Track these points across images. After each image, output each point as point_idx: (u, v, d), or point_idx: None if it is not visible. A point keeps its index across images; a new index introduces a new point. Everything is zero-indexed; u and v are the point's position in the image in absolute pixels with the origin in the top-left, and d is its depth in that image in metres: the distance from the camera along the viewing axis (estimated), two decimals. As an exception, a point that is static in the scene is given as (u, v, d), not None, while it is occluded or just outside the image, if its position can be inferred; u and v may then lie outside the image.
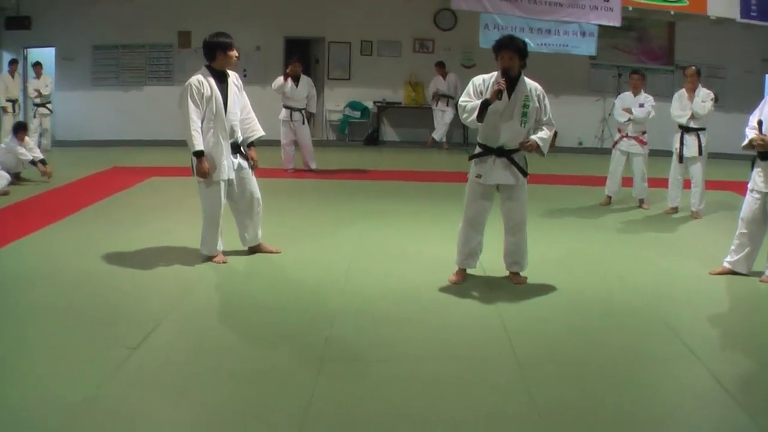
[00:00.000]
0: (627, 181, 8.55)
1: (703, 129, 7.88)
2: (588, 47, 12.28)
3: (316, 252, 6.10)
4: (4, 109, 12.20)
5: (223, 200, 5.62)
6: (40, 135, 12.26)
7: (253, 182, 5.77)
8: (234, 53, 5.51)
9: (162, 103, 12.05)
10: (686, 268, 5.90)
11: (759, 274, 5.56)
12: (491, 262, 5.49)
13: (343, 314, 4.64)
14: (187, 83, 5.44)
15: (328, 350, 4.05)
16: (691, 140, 7.87)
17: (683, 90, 7.97)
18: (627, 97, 8.42)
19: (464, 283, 5.26)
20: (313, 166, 10.55)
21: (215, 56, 5.47)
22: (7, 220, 7.14)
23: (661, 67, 14.19)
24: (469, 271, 5.36)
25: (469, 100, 4.96)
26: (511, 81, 4.88)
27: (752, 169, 5.53)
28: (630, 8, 12.42)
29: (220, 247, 5.74)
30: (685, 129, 7.90)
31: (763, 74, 14.16)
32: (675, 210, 8.16)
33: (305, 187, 9.45)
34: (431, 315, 4.69)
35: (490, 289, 5.19)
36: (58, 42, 13.64)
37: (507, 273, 5.37)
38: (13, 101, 12.37)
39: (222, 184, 5.55)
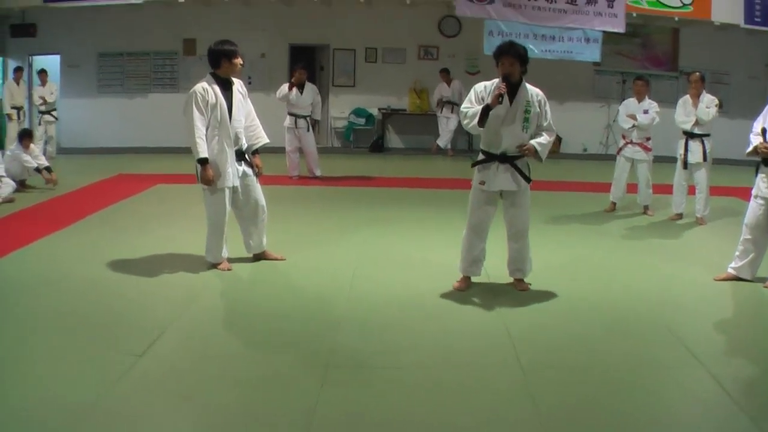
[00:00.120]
0: (632, 188, 8.54)
1: (707, 135, 7.88)
2: (592, 53, 12.27)
3: (321, 259, 6.11)
4: (9, 117, 12.25)
5: (228, 207, 5.63)
6: (45, 142, 12.31)
7: (258, 189, 5.78)
8: (239, 61, 5.53)
9: (167, 111, 12.10)
10: (690, 275, 5.89)
11: (763, 279, 5.55)
12: (495, 269, 5.49)
13: (347, 321, 4.64)
14: (191, 91, 5.47)
15: (332, 357, 4.06)
16: (695, 146, 7.87)
17: (687, 96, 7.97)
18: (631, 103, 8.40)
19: (468, 290, 5.26)
20: (318, 173, 10.55)
21: (220, 64, 5.49)
22: (12, 227, 7.17)
23: (665, 73, 14.15)
24: (473, 277, 5.36)
25: (470, 106, 4.97)
26: (512, 87, 4.89)
27: (756, 175, 5.53)
28: (634, 14, 12.49)
29: (225, 254, 5.75)
30: (689, 135, 7.90)
31: (768, 80, 14.17)
32: (680, 216, 8.14)
33: (310, 194, 9.45)
34: (435, 322, 4.69)
35: (494, 295, 5.18)
36: (63, 49, 13.70)
37: (511, 280, 5.37)
38: (18, 108, 12.43)
39: (227, 192, 5.57)
